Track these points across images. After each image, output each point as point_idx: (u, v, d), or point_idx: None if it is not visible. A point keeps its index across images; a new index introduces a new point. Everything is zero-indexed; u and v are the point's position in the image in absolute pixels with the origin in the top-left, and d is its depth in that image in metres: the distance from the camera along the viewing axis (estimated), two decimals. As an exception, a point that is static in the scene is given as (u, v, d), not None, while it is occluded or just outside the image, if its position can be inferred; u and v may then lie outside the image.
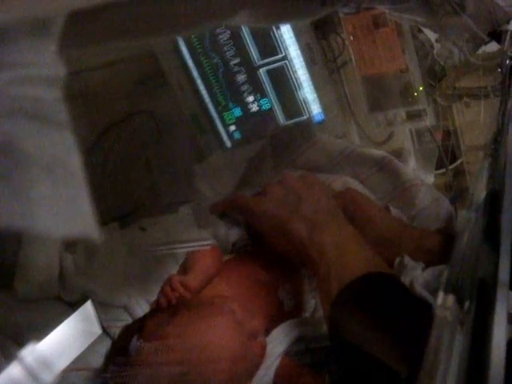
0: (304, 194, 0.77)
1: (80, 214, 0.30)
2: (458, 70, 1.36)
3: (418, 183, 0.96)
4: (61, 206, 0.29)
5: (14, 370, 0.58)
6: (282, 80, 1.23)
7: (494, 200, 0.51)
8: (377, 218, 0.82)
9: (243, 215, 0.83)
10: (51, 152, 0.29)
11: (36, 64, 0.28)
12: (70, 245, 0.93)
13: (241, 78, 1.25)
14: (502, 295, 0.37)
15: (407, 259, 0.75)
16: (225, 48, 1.22)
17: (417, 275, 0.70)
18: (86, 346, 0.80)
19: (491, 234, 0.45)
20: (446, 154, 1.33)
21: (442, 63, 1.25)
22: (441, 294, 0.39)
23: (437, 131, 1.34)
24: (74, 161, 0.30)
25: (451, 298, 0.39)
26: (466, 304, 0.38)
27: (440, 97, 1.37)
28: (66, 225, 0.29)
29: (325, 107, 1.23)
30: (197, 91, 1.27)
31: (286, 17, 0.67)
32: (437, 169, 1.30)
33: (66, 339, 0.79)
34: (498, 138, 0.67)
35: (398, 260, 0.77)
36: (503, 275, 0.39)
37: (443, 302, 0.39)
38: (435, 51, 1.21)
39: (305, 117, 1.24)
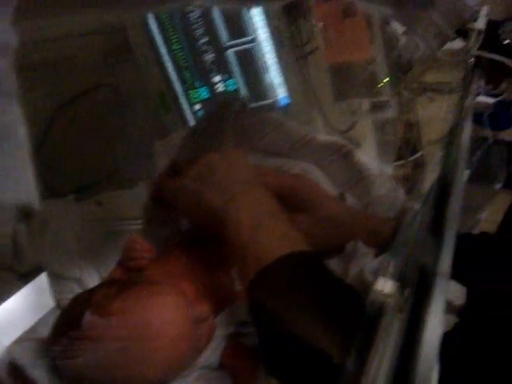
0: (220, 167, 0.73)
1: (22, 183, 0.30)
2: (424, 64, 1.38)
3: (375, 173, 0.97)
4: (3, 175, 0.29)
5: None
6: (250, 62, 1.23)
7: (443, 192, 0.52)
8: (328, 203, 0.82)
9: (164, 196, 0.78)
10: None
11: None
12: (24, 216, 0.92)
13: (209, 57, 1.24)
14: (440, 285, 0.38)
15: (360, 245, 0.76)
16: (194, 26, 1.22)
17: (367, 262, 0.71)
18: (38, 318, 0.79)
19: (437, 224, 0.46)
20: (407, 146, 1.35)
21: (407, 56, 1.27)
22: (381, 280, 0.40)
23: (399, 123, 1.36)
24: (20, 132, 0.30)
25: (394, 285, 0.40)
26: (406, 291, 0.39)
27: (405, 89, 1.39)
28: (7, 193, 0.29)
29: (290, 92, 1.23)
30: (164, 68, 1.26)
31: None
32: (397, 160, 1.32)
33: (17, 311, 0.78)
34: (453, 132, 0.68)
35: (350, 244, 0.78)
36: (444, 265, 0.40)
37: (384, 288, 0.40)
38: (401, 44, 1.23)
39: (270, 100, 1.24)
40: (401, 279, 0.41)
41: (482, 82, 1.36)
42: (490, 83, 1.47)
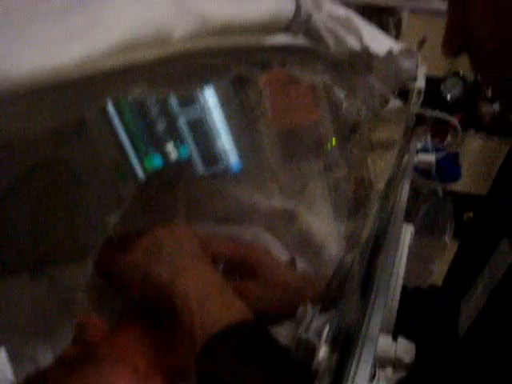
0: (167, 242, 0.76)
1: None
2: (371, 123, 1.43)
3: (325, 235, 1.00)
4: None
5: None
6: (201, 129, 1.26)
7: (375, 250, 0.54)
8: (278, 270, 0.84)
9: (111, 270, 0.81)
10: None
11: None
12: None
13: (160, 125, 1.27)
14: (368, 347, 0.39)
15: (310, 308, 0.77)
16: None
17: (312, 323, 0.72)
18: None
19: (367, 285, 0.47)
20: (359, 203, 1.38)
21: (352, 118, 1.31)
22: (316, 345, 0.41)
23: (351, 181, 1.39)
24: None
25: (327, 349, 0.42)
26: (336, 353, 0.40)
27: (354, 148, 1.43)
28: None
29: (242, 157, 1.26)
30: (117, 137, 1.28)
31: (192, 83, 0.69)
32: (350, 217, 1.35)
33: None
34: (388, 187, 0.71)
35: (301, 308, 0.79)
36: (372, 326, 0.41)
37: (317, 353, 0.41)
38: (344, 107, 1.27)
39: (222, 166, 1.27)
40: (333, 341, 0.42)
41: (428, 137, 1.42)
42: (435, 137, 1.53)
